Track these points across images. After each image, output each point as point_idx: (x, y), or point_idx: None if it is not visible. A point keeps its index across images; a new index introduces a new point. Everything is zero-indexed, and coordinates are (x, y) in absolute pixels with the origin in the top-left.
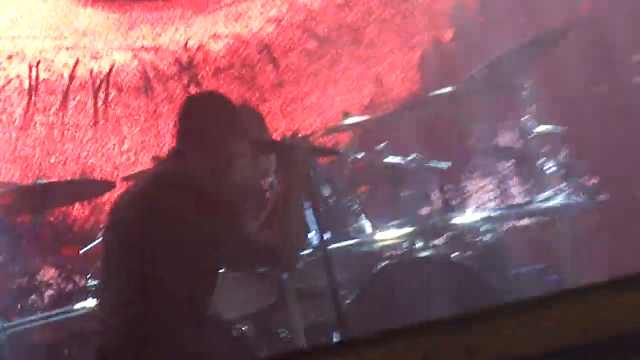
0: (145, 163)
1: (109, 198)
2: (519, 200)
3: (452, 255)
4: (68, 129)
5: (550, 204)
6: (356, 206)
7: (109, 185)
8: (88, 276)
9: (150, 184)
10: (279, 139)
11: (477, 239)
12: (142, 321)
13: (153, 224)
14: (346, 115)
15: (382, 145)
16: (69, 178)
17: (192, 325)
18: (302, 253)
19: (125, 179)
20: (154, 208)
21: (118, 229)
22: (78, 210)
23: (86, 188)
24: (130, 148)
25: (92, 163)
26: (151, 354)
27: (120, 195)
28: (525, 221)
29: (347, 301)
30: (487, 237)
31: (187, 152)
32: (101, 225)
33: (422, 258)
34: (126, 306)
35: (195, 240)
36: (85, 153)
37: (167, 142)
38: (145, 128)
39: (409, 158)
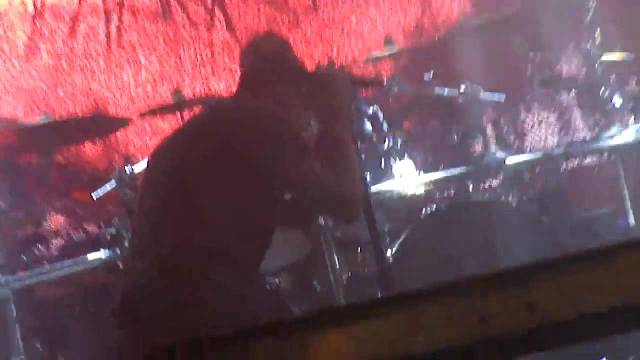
0: (164, 96)
1: (124, 136)
2: (582, 136)
3: (509, 199)
4: (77, 58)
5: (618, 140)
6: (400, 143)
7: (124, 122)
8: (102, 223)
9: (208, 116)
10: (313, 68)
11: (537, 180)
12: (183, 265)
13: (213, 157)
14: (389, 41)
15: (429, 75)
16: (79, 114)
17: (239, 278)
18: None
19: (143, 114)
20: (215, 141)
21: (173, 160)
22: (90, 149)
23: (98, 125)
24: (148, 79)
25: (105, 96)
26: (184, 301)
27: (174, 131)
28: (590, 160)
29: (391, 252)
30: (548, 178)
31: (247, 93)
32: (116, 166)
33: (475, 202)
34: (171, 244)
35: (261, 179)
36: (97, 85)
37: (188, 72)
38: (164, 56)
39: (459, 90)
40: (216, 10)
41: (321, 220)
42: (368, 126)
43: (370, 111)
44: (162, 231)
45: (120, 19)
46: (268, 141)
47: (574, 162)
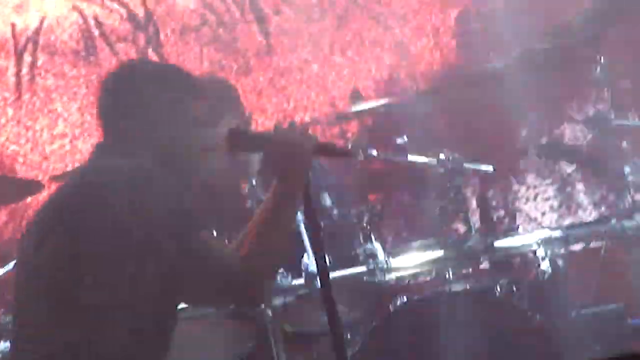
0: (85, 152)
1: (34, 203)
2: (586, 216)
3: (496, 290)
4: None
5: (631, 222)
6: (366, 220)
7: (34, 186)
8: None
9: (77, 186)
10: (268, 129)
11: (530, 268)
12: None
13: (84, 239)
14: (356, 95)
15: (403, 138)
16: None
17: None
18: (291, 283)
19: (55, 178)
20: (83, 220)
21: (39, 245)
22: None
23: (3, 188)
24: (65, 132)
25: (13, 151)
26: None
27: (42, 204)
28: (595, 244)
29: (353, 349)
30: (544, 266)
31: (125, 143)
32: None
33: (454, 293)
34: (50, 344)
35: (138, 261)
36: (4, 138)
37: None
38: (86, 105)
39: (438, 158)
40: (150, 51)
41: (268, 311)
42: (327, 200)
43: (331, 181)
44: (51, 328)
45: (33, 60)
46: (141, 217)
47: (576, 247)
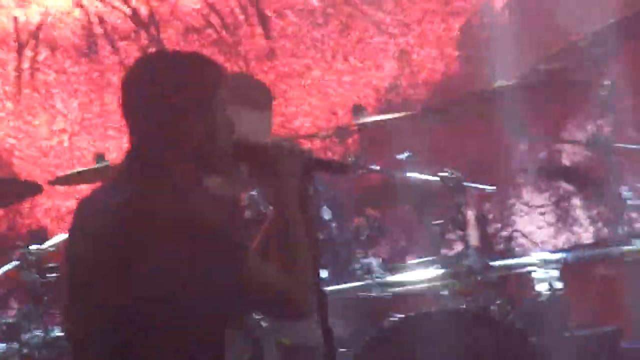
0: (84, 150)
1: (30, 206)
2: (585, 238)
3: (491, 309)
4: None
5: (631, 246)
6: (365, 236)
7: (32, 187)
8: None
9: (113, 212)
10: (266, 142)
11: (527, 288)
12: None
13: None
14: (358, 109)
15: (404, 155)
16: None
17: None
18: None
19: (53, 182)
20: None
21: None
22: None
23: (2, 190)
24: (65, 128)
25: (10, 145)
26: None
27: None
28: (592, 267)
29: None
30: (541, 286)
31: (144, 155)
32: (18, 243)
33: (450, 311)
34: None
35: (191, 277)
36: (2, 132)
37: (115, 122)
38: (86, 102)
39: (440, 175)
40: (152, 50)
41: (262, 322)
42: (327, 213)
43: (330, 195)
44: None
45: (35, 55)
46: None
47: (573, 269)
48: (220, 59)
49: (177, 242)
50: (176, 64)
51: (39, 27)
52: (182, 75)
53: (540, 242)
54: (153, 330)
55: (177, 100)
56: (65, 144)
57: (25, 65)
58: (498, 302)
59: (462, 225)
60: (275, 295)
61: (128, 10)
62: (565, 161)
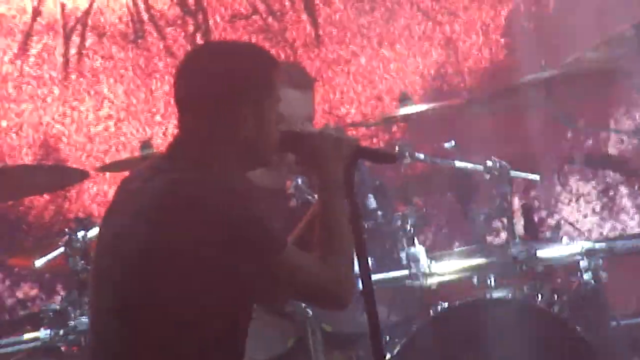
0: (130, 136)
1: (78, 192)
2: (631, 227)
3: (538, 299)
4: (27, 83)
5: None
6: (410, 224)
7: (79, 175)
8: (43, 296)
9: (157, 199)
10: (312, 130)
11: (574, 279)
12: None
13: (166, 249)
14: (405, 98)
15: (450, 143)
16: (25, 160)
17: None
18: None
19: (100, 169)
20: (167, 232)
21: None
22: (34, 204)
23: (48, 175)
24: (111, 115)
25: (57, 130)
26: None
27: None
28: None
29: (392, 352)
30: (586, 277)
31: (193, 145)
32: (66, 230)
33: (497, 300)
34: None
35: (223, 271)
36: (49, 117)
37: (160, 109)
38: (133, 88)
39: (485, 165)
40: (198, 37)
41: (308, 309)
42: (372, 202)
43: (376, 184)
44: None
45: (82, 41)
46: (218, 239)
47: (618, 259)
48: (266, 45)
49: (211, 231)
50: (234, 57)
51: (86, 13)
52: (240, 69)
53: (587, 231)
54: (176, 319)
55: (232, 96)
56: (112, 129)
57: (73, 51)
58: (543, 291)
59: (508, 214)
60: (317, 288)
61: None
62: (612, 150)
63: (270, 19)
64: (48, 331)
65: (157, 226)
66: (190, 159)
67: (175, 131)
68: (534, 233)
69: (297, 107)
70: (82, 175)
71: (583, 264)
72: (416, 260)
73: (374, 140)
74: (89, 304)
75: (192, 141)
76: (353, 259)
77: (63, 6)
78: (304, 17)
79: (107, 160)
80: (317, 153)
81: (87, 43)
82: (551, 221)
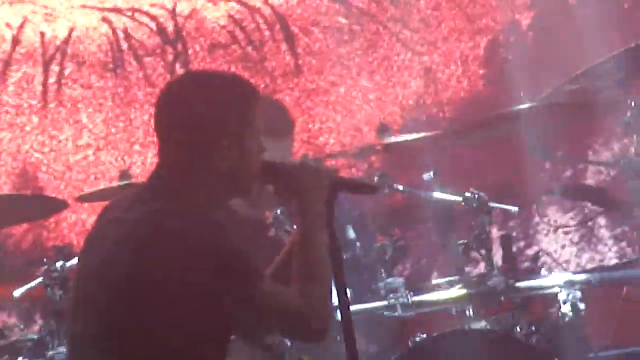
0: (108, 164)
1: (56, 222)
2: (609, 258)
3: (516, 330)
4: (6, 112)
5: None
6: (389, 255)
7: (59, 205)
8: (22, 326)
9: (136, 229)
10: (292, 162)
11: (552, 310)
12: None
13: (144, 278)
14: (383, 129)
15: (429, 174)
16: (3, 189)
17: None
18: None
19: (79, 199)
20: (146, 262)
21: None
22: (12, 233)
23: (27, 205)
24: (90, 144)
25: (36, 159)
26: None
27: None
28: (620, 288)
29: None
30: (565, 309)
31: (173, 175)
32: (45, 260)
33: (475, 331)
34: None
35: (199, 302)
36: (28, 146)
37: (139, 138)
38: (112, 117)
39: (464, 195)
40: (177, 66)
41: (287, 341)
42: (351, 233)
43: (355, 214)
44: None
45: (61, 69)
46: (196, 269)
47: (600, 290)
48: (245, 75)
49: (191, 262)
50: (215, 87)
51: (65, 42)
52: (220, 100)
53: (564, 262)
54: (155, 347)
55: (212, 125)
56: (91, 158)
57: (52, 79)
58: (522, 322)
59: (486, 246)
60: (293, 319)
61: (154, 26)
62: (590, 181)
63: (249, 49)
64: None
65: (139, 255)
66: (171, 189)
67: (155, 161)
68: (513, 264)
69: (275, 158)
70: (62, 205)
71: (561, 295)
72: (395, 291)
73: (353, 170)
74: (67, 332)
75: (173, 171)
76: (331, 289)
77: (42, 35)
78: (284, 47)
79: (86, 189)
80: (296, 184)
81: (66, 72)
82: (530, 252)
